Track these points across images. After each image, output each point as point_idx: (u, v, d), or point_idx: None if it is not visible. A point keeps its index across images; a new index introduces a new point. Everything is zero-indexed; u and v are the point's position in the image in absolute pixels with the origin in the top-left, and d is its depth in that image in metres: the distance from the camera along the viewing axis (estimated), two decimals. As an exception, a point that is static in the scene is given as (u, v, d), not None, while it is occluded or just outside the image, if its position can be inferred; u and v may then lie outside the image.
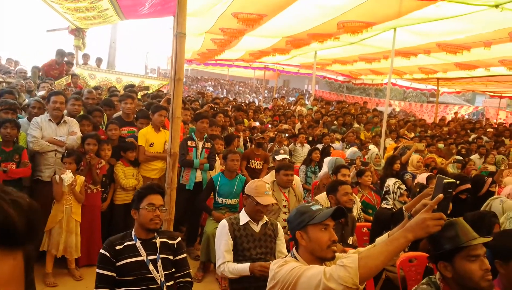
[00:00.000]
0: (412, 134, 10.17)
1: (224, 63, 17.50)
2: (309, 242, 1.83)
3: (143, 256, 2.42)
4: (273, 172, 4.74)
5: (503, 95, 16.86)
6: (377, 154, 6.57)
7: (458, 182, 1.61)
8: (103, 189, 4.48)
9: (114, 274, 2.37)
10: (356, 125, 10.62)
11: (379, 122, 10.48)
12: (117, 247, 2.41)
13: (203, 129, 5.09)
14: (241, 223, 2.98)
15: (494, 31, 6.83)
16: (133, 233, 2.51)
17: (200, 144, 5.03)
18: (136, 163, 4.79)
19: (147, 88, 9.40)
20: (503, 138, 10.76)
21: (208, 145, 5.08)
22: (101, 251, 2.40)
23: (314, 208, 1.88)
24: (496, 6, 5.78)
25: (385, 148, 8.25)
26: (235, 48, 11.86)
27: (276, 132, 8.02)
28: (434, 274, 1.92)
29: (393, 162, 5.94)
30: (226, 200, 4.41)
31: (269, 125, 9.41)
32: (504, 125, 13.65)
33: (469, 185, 4.25)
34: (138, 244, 2.45)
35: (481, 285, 1.74)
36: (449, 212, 1.74)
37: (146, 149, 4.81)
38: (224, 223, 2.98)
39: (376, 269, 1.52)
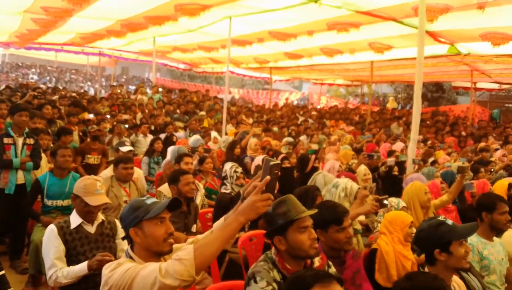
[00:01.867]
0: (251, 120, 10.81)
1: (50, 47, 15.51)
2: (144, 238, 1.74)
3: None
4: (112, 166, 4.43)
5: (323, 82, 19.32)
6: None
7: (281, 163, 1.75)
8: None
9: None
10: (202, 112, 10.79)
11: (220, 109, 10.84)
12: None
13: (22, 123, 4.39)
14: (73, 225, 2.69)
15: (315, 21, 7.68)
16: None
17: (20, 141, 4.35)
18: None
19: None
20: (324, 120, 12.35)
21: (30, 141, 4.43)
22: None
23: (149, 201, 1.79)
24: (316, 1, 6.56)
25: (226, 133, 8.57)
26: (62, 30, 10.60)
27: (115, 123, 7.54)
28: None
29: (234, 147, 6.21)
30: (57, 202, 3.92)
31: (108, 116, 8.79)
32: (325, 108, 15.73)
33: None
34: None
35: (310, 253, 1.96)
36: (276, 191, 1.89)
37: None
38: (51, 228, 2.64)
39: (212, 256, 1.53)
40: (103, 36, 11.69)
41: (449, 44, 8.41)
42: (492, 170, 5.96)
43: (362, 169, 5.08)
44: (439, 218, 2.43)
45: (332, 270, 2.12)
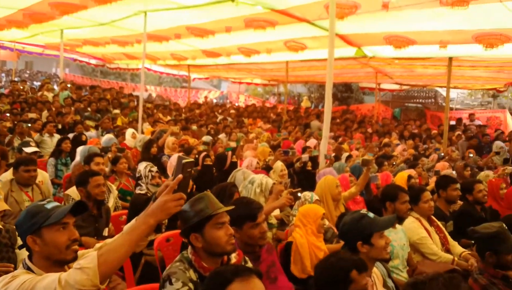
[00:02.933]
0: (168, 118, 10.56)
1: None
2: (44, 246, 1.58)
3: None
4: (12, 169, 4.02)
5: (242, 81, 19.55)
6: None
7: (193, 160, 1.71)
8: None
9: None
10: (116, 111, 10.27)
11: (136, 107, 10.42)
12: None
13: None
14: (-39, 237, 2.38)
15: (233, 17, 7.71)
16: None
17: None
18: None
19: None
20: (242, 118, 12.51)
21: None
22: None
23: (49, 206, 1.64)
24: (232, 0, 6.59)
25: (142, 132, 8.26)
26: None
27: (16, 122, 6.87)
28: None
29: (150, 146, 6.00)
30: None
31: (7, 114, 7.98)
32: (243, 107, 15.94)
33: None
34: None
35: (227, 249, 1.95)
36: (194, 190, 1.85)
37: None
38: None
39: (119, 262, 1.44)
40: (2, 27, 10.58)
41: (356, 47, 9.01)
42: (394, 163, 6.51)
43: (279, 165, 5.23)
44: (361, 211, 2.58)
45: (249, 265, 2.14)
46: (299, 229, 3.08)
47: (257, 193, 3.27)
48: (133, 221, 1.66)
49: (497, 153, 8.21)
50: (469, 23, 6.26)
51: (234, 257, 2.06)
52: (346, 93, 20.05)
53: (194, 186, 4.07)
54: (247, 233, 2.31)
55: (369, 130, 11.49)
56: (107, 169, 4.67)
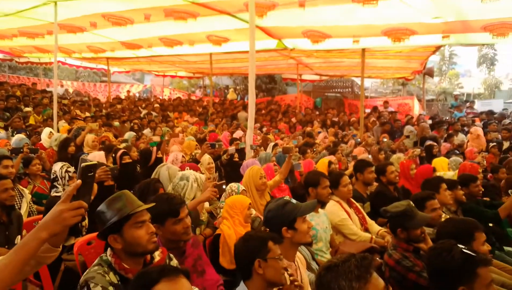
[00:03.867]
0: (87, 114, 9.97)
1: None
2: None
3: None
4: None
5: (166, 74, 19.04)
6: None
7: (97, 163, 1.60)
8: None
9: None
10: (28, 108, 9.46)
11: (50, 104, 9.70)
12: None
13: None
14: None
15: (152, 7, 7.42)
16: None
17: None
18: None
19: None
20: (168, 112, 12.23)
21: None
22: None
23: None
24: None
25: (58, 130, 7.71)
26: None
27: None
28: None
29: (67, 145, 5.63)
30: None
31: None
32: (168, 101, 15.58)
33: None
34: None
35: (148, 248, 1.89)
36: (93, 197, 1.73)
37: None
38: None
39: (5, 285, 1.27)
40: None
41: (277, 39, 9.20)
42: (315, 150, 6.80)
43: (206, 158, 5.20)
44: (284, 198, 2.65)
45: (174, 262, 2.11)
46: (227, 220, 3.10)
47: (194, 189, 3.21)
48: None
49: (408, 137, 8.94)
50: (379, 18, 6.70)
51: (157, 255, 2.02)
52: (270, 84, 20.47)
53: (116, 185, 3.91)
54: (170, 230, 2.26)
55: (293, 119, 11.87)
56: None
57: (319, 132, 9.26)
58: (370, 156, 6.40)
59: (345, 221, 3.66)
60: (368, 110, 13.05)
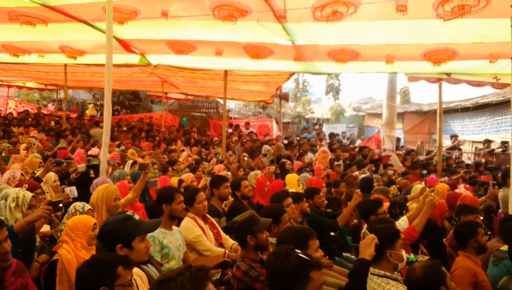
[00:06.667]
0: None
1: None
2: None
3: None
4: None
5: (11, 84, 16.79)
6: None
7: None
8: None
9: None
10: None
11: None
12: None
13: None
14: None
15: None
16: None
17: None
18: None
19: None
20: (12, 127, 10.75)
21: None
22: None
23: None
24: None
25: None
26: None
27: None
28: None
29: None
30: None
31: None
32: (11, 113, 13.75)
33: None
34: None
35: None
36: None
37: None
38: None
39: None
40: None
41: (140, 54, 8.95)
42: (175, 168, 6.76)
43: (51, 175, 4.77)
44: (127, 213, 2.49)
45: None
46: (67, 244, 2.79)
47: (13, 209, 2.80)
48: None
49: (265, 155, 9.52)
50: (240, 35, 7.01)
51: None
52: (134, 101, 19.72)
53: None
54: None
55: (157, 138, 11.61)
56: None
57: (182, 150, 9.23)
58: (229, 173, 6.61)
59: (200, 237, 3.65)
60: (230, 130, 13.56)
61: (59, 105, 17.27)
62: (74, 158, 6.67)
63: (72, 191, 4.50)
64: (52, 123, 12.12)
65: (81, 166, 5.15)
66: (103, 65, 7.42)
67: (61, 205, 2.93)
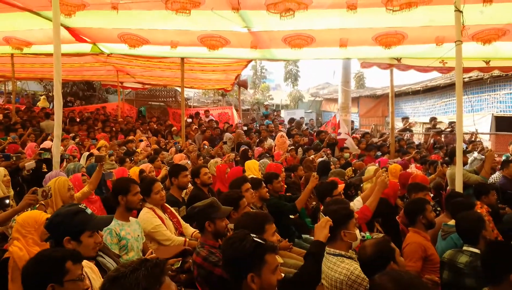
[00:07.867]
0: None
1: None
2: None
3: None
4: None
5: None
6: None
7: None
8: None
9: None
10: None
11: None
12: None
13: None
14: None
15: None
16: None
17: None
18: None
19: None
20: None
21: None
22: None
23: None
24: None
25: None
26: None
27: None
28: None
29: None
30: None
31: None
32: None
33: None
34: None
35: None
36: None
37: None
38: None
39: None
40: None
41: (91, 43, 8.61)
42: (133, 159, 6.65)
43: (1, 170, 4.56)
44: (79, 206, 2.45)
45: None
46: (18, 241, 2.70)
47: None
48: None
49: (225, 143, 9.54)
50: (194, 25, 6.91)
51: None
52: (88, 91, 19.01)
53: None
54: None
55: (114, 129, 11.31)
56: None
57: (141, 141, 9.06)
58: (189, 162, 6.57)
59: (158, 227, 3.64)
60: (189, 120, 13.42)
61: (8, 97, 16.36)
62: (25, 152, 6.41)
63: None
64: (1, 117, 11.49)
65: (29, 163, 4.90)
66: (51, 54, 7.15)
67: (8, 201, 2.82)
